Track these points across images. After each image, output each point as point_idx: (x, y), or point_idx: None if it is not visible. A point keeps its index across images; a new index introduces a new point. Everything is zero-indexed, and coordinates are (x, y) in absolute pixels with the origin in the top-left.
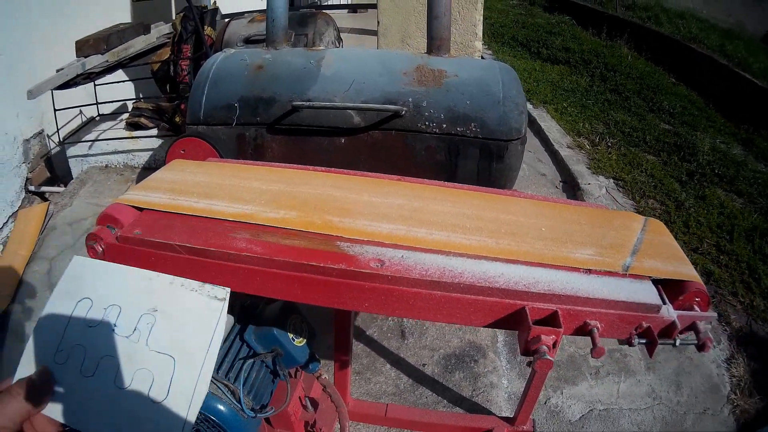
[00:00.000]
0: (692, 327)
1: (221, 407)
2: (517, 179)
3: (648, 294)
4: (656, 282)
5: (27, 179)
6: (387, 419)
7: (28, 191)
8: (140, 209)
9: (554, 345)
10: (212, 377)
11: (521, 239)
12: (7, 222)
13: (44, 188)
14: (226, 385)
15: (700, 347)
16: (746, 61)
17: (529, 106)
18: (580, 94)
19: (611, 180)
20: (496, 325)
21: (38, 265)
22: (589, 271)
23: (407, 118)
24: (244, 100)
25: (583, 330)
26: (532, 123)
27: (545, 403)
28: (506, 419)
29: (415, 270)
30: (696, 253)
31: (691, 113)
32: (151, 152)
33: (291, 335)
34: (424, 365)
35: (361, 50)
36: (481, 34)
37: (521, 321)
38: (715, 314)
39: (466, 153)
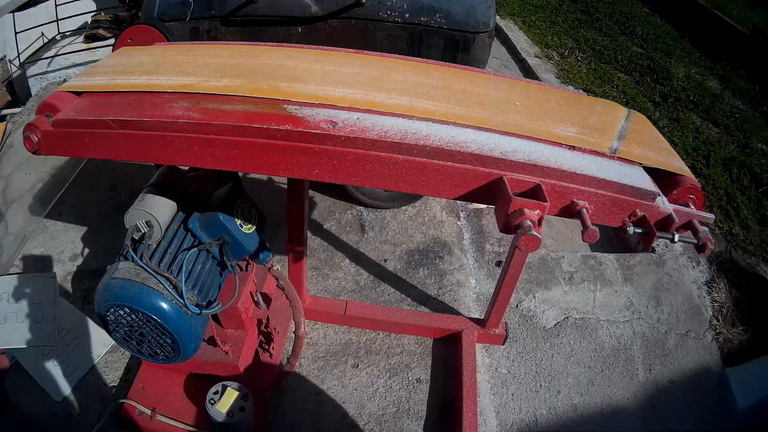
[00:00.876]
0: (688, 225)
1: (163, 304)
2: None
3: (641, 180)
4: (648, 172)
5: None
6: (347, 318)
7: None
8: (79, 94)
9: (539, 222)
10: (152, 270)
11: (494, 110)
12: None
13: (4, 111)
14: (167, 279)
15: (700, 248)
16: (725, 6)
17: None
18: (549, 11)
19: (581, 91)
20: (470, 197)
21: None
22: (573, 148)
23: (368, 7)
24: None
25: (571, 210)
26: (499, 33)
27: (517, 306)
28: (476, 321)
29: (372, 131)
30: None
31: (665, 42)
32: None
33: (239, 221)
34: (385, 261)
35: None
36: None
37: (500, 192)
38: (713, 216)
39: (429, 43)
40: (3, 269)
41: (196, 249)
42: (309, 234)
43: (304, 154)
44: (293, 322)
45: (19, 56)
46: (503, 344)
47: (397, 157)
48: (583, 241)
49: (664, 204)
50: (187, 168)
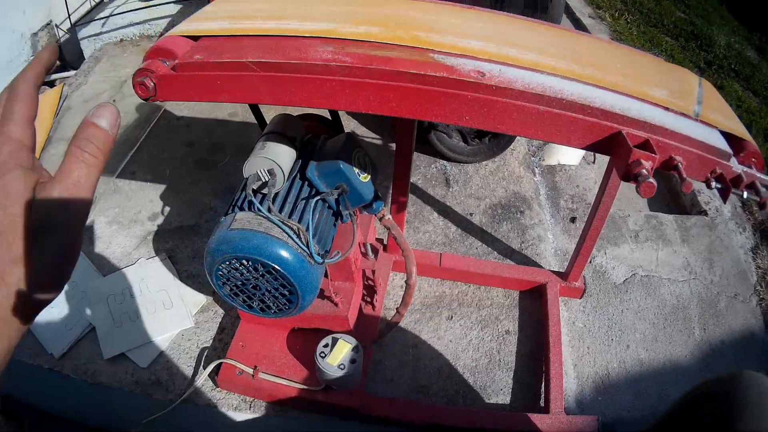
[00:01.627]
0: (752, 186)
1: (286, 254)
2: None
3: (720, 141)
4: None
5: None
6: (442, 270)
7: None
8: (195, 39)
9: (652, 171)
10: (276, 218)
11: (604, 71)
12: None
13: (54, 75)
14: (291, 228)
15: (762, 205)
16: None
17: None
18: None
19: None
20: (593, 147)
21: (54, 147)
22: (667, 109)
23: None
24: None
25: (669, 165)
26: None
27: (591, 262)
28: (558, 274)
29: (517, 83)
30: None
31: (705, 8)
32: (169, 19)
33: (356, 170)
34: (471, 215)
35: None
36: None
37: (620, 144)
38: None
39: (510, 2)
40: None
41: (316, 198)
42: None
43: (459, 101)
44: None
45: (70, 18)
46: (581, 298)
47: (539, 108)
48: (682, 191)
49: (735, 164)
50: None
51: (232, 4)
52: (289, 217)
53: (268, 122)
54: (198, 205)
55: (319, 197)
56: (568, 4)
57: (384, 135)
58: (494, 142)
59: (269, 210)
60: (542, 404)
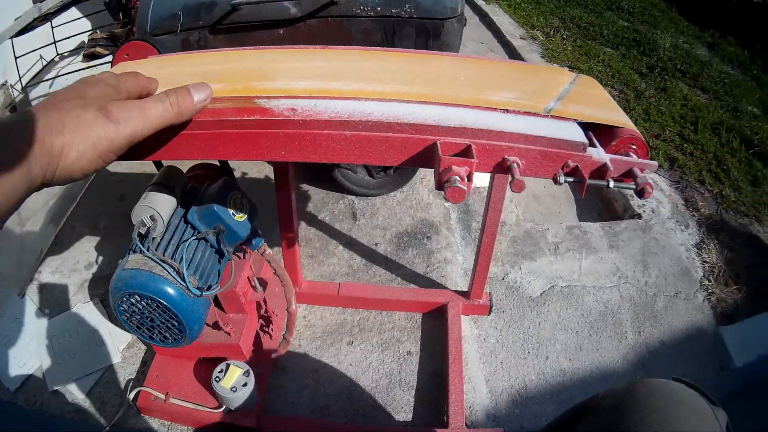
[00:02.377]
0: (629, 173)
1: (167, 288)
2: None
3: (573, 133)
4: (587, 128)
5: None
6: (341, 298)
7: None
8: None
9: (469, 177)
10: (157, 258)
11: (436, 86)
12: None
13: None
14: (170, 265)
15: (640, 193)
16: None
17: (481, 2)
18: None
19: (566, 68)
20: (410, 162)
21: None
22: (506, 111)
23: (342, 4)
24: (188, 7)
25: (502, 166)
26: (484, 17)
27: (503, 279)
28: (462, 293)
29: (325, 113)
30: (658, 139)
31: (651, 13)
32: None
33: (231, 210)
34: (376, 245)
35: None
36: None
37: (434, 156)
38: (655, 163)
39: (402, 33)
40: (24, 283)
41: (195, 239)
42: (304, 225)
43: (272, 138)
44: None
45: (21, 80)
46: (489, 314)
47: (345, 133)
48: (512, 191)
49: (598, 154)
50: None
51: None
52: (172, 256)
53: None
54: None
55: (196, 237)
56: (499, 28)
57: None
58: (399, 173)
59: (150, 250)
60: (444, 419)
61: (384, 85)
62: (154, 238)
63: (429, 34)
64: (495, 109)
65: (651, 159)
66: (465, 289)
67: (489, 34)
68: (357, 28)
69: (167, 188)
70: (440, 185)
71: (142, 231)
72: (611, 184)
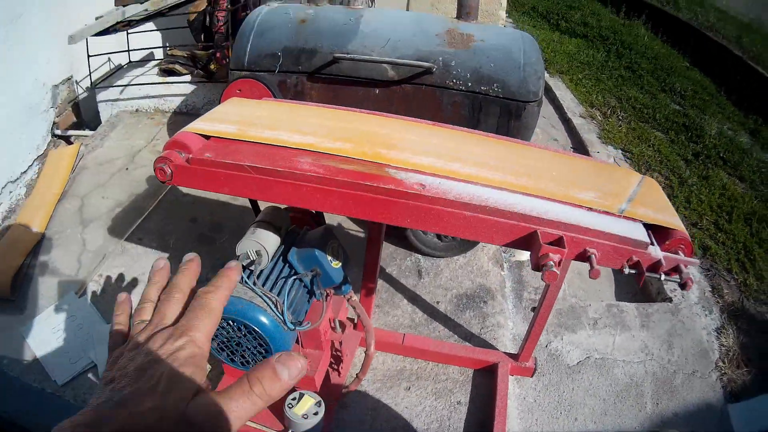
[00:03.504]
0: (676, 269)
1: (265, 319)
2: (531, 140)
3: (639, 233)
4: (648, 227)
5: (54, 123)
6: (404, 348)
7: (54, 135)
8: (207, 138)
9: (560, 263)
10: (259, 290)
11: (536, 179)
12: (32, 165)
13: (70, 132)
14: (270, 299)
15: (683, 285)
16: (761, 56)
17: (546, 74)
18: (595, 68)
19: (620, 151)
20: (513, 244)
21: (69, 202)
22: (590, 209)
23: (437, 75)
24: (288, 49)
25: (583, 256)
26: (548, 91)
27: (546, 346)
28: (511, 355)
29: (450, 193)
30: (695, 227)
31: (701, 97)
32: (183, 97)
33: (329, 257)
34: (437, 303)
35: (397, 11)
36: (505, 3)
37: (534, 241)
38: (697, 261)
39: (488, 110)
40: (83, 283)
41: (293, 277)
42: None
43: (403, 207)
44: (359, 348)
45: (90, 76)
46: (532, 376)
47: (465, 214)
48: (589, 277)
49: (655, 251)
50: (284, 208)
51: (238, 107)
52: (270, 290)
53: (261, 210)
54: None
55: (295, 277)
56: (561, 104)
57: (365, 230)
58: (465, 239)
59: (254, 283)
60: None
61: (494, 173)
62: (258, 272)
63: (512, 114)
64: (581, 206)
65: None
66: (513, 351)
67: (550, 108)
68: (448, 99)
69: (274, 227)
70: (537, 267)
71: (245, 263)
72: (663, 277)
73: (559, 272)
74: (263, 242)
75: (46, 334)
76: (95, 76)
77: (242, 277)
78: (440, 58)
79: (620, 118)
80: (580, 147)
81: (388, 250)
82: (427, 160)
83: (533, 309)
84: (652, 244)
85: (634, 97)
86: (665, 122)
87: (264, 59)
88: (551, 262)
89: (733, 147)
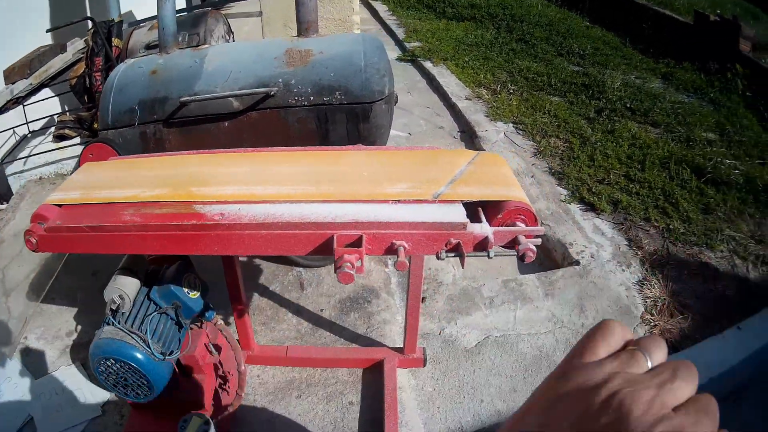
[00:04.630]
0: (515, 240)
1: (136, 354)
2: (413, 135)
3: (455, 215)
4: (476, 205)
5: None
6: (288, 359)
7: None
8: (60, 206)
9: (360, 262)
10: (126, 329)
11: (341, 184)
12: None
13: None
14: (138, 335)
15: (520, 258)
16: (667, 0)
17: (429, 64)
18: (484, 48)
19: (510, 124)
20: (315, 252)
21: None
22: (397, 202)
23: (279, 97)
24: (143, 102)
25: (391, 249)
26: (431, 80)
27: (440, 333)
28: (397, 349)
29: (245, 217)
30: (602, 184)
31: (604, 53)
32: (77, 159)
33: (186, 289)
34: (322, 310)
35: (240, 43)
36: (357, 8)
37: (332, 247)
38: (541, 229)
39: (334, 119)
40: (12, 348)
41: (157, 313)
42: (257, 295)
43: (206, 238)
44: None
45: None
46: (424, 366)
47: (261, 233)
48: (396, 269)
49: (481, 229)
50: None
51: (84, 173)
52: (139, 327)
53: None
54: (102, 322)
55: (159, 312)
56: (445, 90)
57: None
58: None
59: (122, 323)
60: None
61: (296, 187)
62: (123, 313)
63: (359, 117)
64: (387, 201)
65: (595, 206)
66: (401, 345)
67: (435, 97)
68: (293, 117)
69: (132, 272)
70: (336, 270)
71: (113, 307)
72: (491, 254)
73: (354, 272)
74: (123, 287)
75: None
76: (3, 151)
77: (111, 321)
78: (280, 80)
79: (511, 91)
80: (467, 129)
81: (269, 268)
82: (231, 189)
83: (422, 299)
84: (478, 221)
85: (526, 68)
86: (562, 86)
87: (124, 115)
88: (347, 264)
89: (641, 95)
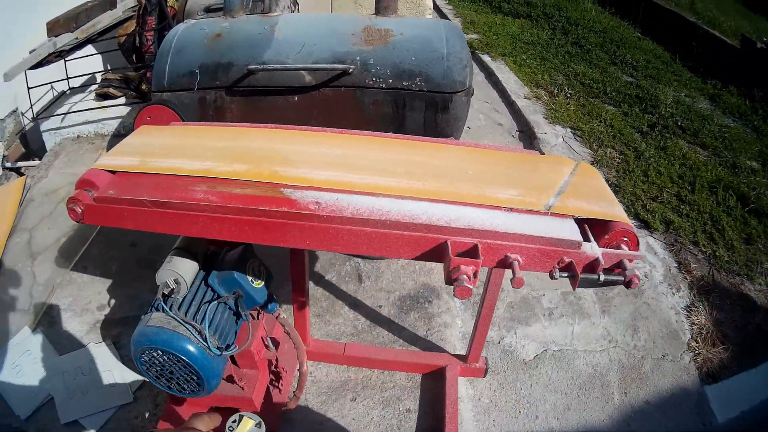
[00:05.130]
0: (620, 265)
1: (190, 347)
2: (472, 129)
3: (569, 231)
4: (583, 222)
5: (3, 156)
6: (345, 357)
7: (4, 168)
8: (113, 172)
9: (475, 275)
10: (180, 319)
11: (447, 181)
12: None
13: (20, 163)
14: (193, 326)
15: (627, 284)
16: (716, 20)
17: (487, 58)
18: (540, 47)
19: (568, 129)
20: (423, 257)
21: (19, 236)
22: (510, 210)
23: (355, 75)
24: (204, 66)
25: (505, 263)
26: (490, 75)
27: (499, 342)
28: (459, 357)
29: (347, 210)
30: (655, 201)
31: (655, 66)
32: (120, 120)
33: (250, 278)
34: (380, 307)
35: (312, 15)
36: None
37: (444, 254)
38: (643, 254)
39: (412, 105)
40: (36, 317)
41: (215, 302)
42: (312, 285)
43: (298, 229)
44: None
45: (32, 108)
46: (484, 376)
47: (365, 230)
48: (512, 287)
49: (591, 249)
50: None
51: (143, 137)
52: (194, 316)
53: None
54: (139, 299)
55: (218, 301)
56: (504, 87)
57: None
58: None
59: (176, 311)
60: None
61: (399, 180)
62: (177, 299)
63: (438, 107)
64: (500, 208)
65: (649, 224)
66: (462, 352)
67: (494, 93)
68: (369, 99)
69: (190, 253)
70: (450, 281)
71: (166, 292)
72: (602, 278)
73: (473, 287)
74: (180, 270)
75: (6, 370)
76: (40, 105)
77: (162, 307)
78: (357, 58)
79: (568, 95)
80: (526, 129)
81: (326, 256)
82: (325, 174)
83: None
84: (588, 240)
85: (582, 73)
86: (617, 95)
87: (183, 78)
88: (464, 276)
89: (691, 114)
